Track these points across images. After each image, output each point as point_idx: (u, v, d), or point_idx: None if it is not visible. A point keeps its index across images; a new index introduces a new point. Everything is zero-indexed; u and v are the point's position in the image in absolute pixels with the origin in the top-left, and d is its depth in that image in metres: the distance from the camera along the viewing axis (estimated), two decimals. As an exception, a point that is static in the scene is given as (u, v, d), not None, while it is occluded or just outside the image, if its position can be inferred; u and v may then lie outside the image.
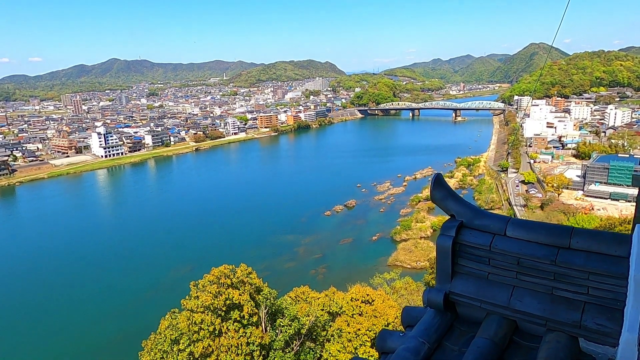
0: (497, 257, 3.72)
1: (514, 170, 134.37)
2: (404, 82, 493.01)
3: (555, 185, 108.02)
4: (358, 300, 26.99)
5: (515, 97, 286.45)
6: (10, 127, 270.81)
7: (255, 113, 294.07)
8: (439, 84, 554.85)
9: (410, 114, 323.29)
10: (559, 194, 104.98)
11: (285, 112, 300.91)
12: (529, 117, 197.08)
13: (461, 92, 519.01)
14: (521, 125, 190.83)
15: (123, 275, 76.85)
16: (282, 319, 22.14)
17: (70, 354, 54.63)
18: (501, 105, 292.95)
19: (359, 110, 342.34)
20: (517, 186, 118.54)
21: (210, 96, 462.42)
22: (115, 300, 67.67)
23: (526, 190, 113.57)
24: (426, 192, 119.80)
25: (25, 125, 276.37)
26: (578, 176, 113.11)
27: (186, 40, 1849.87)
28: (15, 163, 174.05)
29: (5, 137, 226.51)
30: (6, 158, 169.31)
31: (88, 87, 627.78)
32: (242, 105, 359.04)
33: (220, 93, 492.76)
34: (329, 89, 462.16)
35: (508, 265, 3.66)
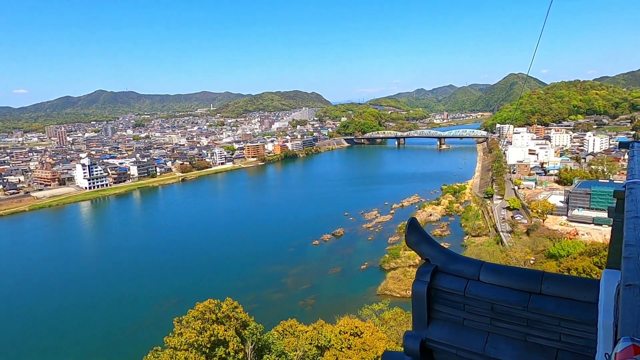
0: (471, 303, 3.68)
1: (499, 197, 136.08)
2: (389, 112, 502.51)
3: (539, 210, 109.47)
4: (347, 333, 26.39)
5: (498, 125, 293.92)
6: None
7: (242, 143, 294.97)
8: (423, 113, 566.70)
9: (396, 143, 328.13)
10: (543, 220, 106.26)
11: (272, 141, 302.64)
12: (511, 144, 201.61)
13: (445, 121, 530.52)
14: (504, 153, 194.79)
15: (103, 310, 74.19)
16: (269, 354, 21.47)
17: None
18: (484, 133, 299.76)
19: (345, 139, 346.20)
20: (503, 212, 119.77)
21: (197, 127, 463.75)
22: (95, 338, 64.98)
23: (512, 217, 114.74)
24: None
25: (8, 157, 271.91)
26: (561, 202, 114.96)
27: (173, 71, 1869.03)
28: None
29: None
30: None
31: (73, 118, 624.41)
32: (229, 136, 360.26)
33: (207, 123, 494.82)
34: (315, 118, 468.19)
35: (482, 311, 3.62)
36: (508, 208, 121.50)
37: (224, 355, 19.95)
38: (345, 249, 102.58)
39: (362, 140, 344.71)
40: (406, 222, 4.29)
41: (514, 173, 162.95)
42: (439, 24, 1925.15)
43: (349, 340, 25.72)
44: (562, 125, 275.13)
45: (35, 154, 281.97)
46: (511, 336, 3.48)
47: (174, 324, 22.87)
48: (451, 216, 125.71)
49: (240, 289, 78.04)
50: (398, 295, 75.24)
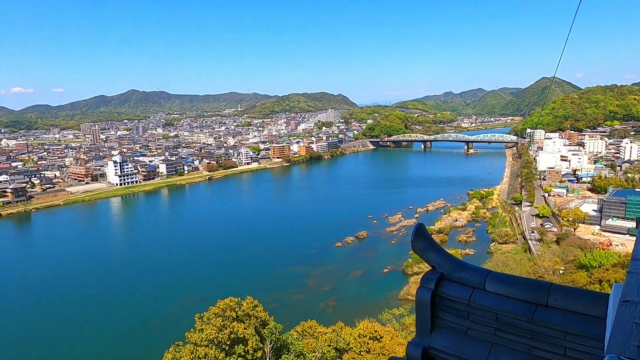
0: (476, 312, 3.62)
1: (528, 204, 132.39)
2: (416, 115, 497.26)
3: (570, 219, 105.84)
4: (366, 336, 26.21)
5: (528, 130, 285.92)
6: (30, 154, 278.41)
7: (268, 143, 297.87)
8: (451, 116, 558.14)
9: (422, 146, 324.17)
10: (575, 229, 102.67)
11: (297, 142, 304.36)
12: (542, 150, 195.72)
13: (473, 125, 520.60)
14: (534, 158, 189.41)
15: (131, 303, 76.35)
16: (287, 354, 21.57)
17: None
18: (514, 138, 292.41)
19: (370, 142, 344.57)
20: (532, 220, 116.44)
21: (224, 127, 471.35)
22: (121, 330, 66.94)
23: (541, 224, 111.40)
24: (438, 225, 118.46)
25: (45, 153, 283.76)
26: (594, 210, 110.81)
27: (203, 72, 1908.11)
28: (33, 190, 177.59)
29: (24, 165, 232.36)
30: (24, 185, 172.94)
31: (107, 116, 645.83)
32: (255, 136, 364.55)
33: (235, 124, 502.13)
34: (341, 120, 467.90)
35: (487, 321, 3.55)
36: (537, 215, 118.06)
37: (242, 353, 20.18)
38: (367, 252, 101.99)
39: (388, 142, 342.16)
40: (414, 226, 4.16)
41: (544, 180, 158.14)
42: (468, 25, 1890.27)
43: (368, 344, 25.55)
44: (596, 131, 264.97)
45: (70, 150, 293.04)
46: (515, 348, 3.40)
47: (195, 320, 23.33)
48: (477, 222, 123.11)
49: (261, 288, 78.72)
50: (420, 300, 74.15)
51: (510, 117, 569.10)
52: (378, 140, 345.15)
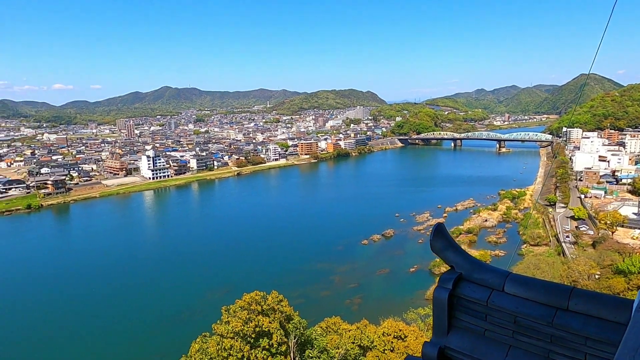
0: (494, 314, 3.57)
1: (563, 205, 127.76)
2: (446, 112, 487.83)
3: (608, 222, 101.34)
4: (390, 335, 26.07)
5: (564, 129, 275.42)
6: (69, 148, 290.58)
7: (296, 140, 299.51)
8: (483, 114, 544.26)
9: (452, 144, 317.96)
10: (613, 232, 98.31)
11: (325, 139, 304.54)
12: (579, 149, 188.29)
13: (506, 123, 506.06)
14: (570, 158, 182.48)
15: (162, 294, 78.68)
16: (311, 350, 21.74)
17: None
18: (549, 137, 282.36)
19: (399, 139, 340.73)
20: (566, 222, 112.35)
21: (253, 123, 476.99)
22: (152, 319, 69.13)
23: (576, 227, 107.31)
24: (467, 225, 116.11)
25: (83, 147, 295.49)
26: (635, 214, 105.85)
27: (233, 69, 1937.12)
28: (72, 182, 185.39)
29: (64, 158, 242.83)
30: (63, 177, 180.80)
31: (141, 112, 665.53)
32: (283, 132, 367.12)
33: (263, 120, 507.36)
34: (369, 117, 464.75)
35: (505, 323, 3.49)
36: (572, 217, 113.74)
37: (267, 347, 20.51)
38: (394, 250, 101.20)
39: (417, 140, 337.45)
40: (434, 226, 4.07)
41: (581, 180, 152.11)
42: (502, 20, 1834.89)
43: (392, 342, 25.41)
44: (638, 131, 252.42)
45: (106, 144, 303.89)
46: (533, 351, 3.34)
47: (222, 312, 23.83)
48: (508, 223, 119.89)
49: (287, 283, 79.53)
50: (447, 301, 73.03)
51: (545, 115, 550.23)
52: (407, 138, 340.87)
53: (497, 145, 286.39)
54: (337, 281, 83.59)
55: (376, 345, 25.40)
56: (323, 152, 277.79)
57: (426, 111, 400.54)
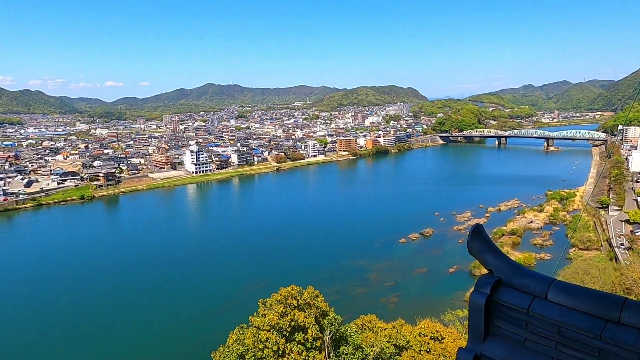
0: (535, 323, 3.34)
1: (617, 208, 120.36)
2: (490, 109, 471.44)
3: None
4: (427, 336, 25.58)
5: (620, 127, 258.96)
6: (119, 143, 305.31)
7: (335, 136, 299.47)
8: (530, 111, 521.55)
9: (496, 142, 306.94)
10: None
11: (364, 136, 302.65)
12: (636, 149, 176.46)
13: (555, 120, 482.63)
14: (627, 158, 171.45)
15: (202, 284, 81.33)
16: (345, 346, 21.75)
17: (145, 355, 58.56)
18: (602, 135, 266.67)
19: (440, 137, 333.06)
20: (620, 226, 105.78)
21: (293, 119, 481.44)
22: (192, 310, 71.61)
23: (631, 231, 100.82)
24: (511, 226, 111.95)
25: (132, 141, 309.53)
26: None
27: (274, 66, 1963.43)
28: (121, 175, 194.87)
29: (115, 152, 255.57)
30: (113, 170, 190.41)
31: (186, 108, 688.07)
32: (322, 129, 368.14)
33: (303, 116, 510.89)
34: (410, 114, 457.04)
35: (547, 333, 3.27)
36: (627, 221, 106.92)
37: (302, 341, 20.72)
38: (433, 249, 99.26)
39: (459, 138, 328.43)
40: (472, 226, 3.80)
41: (638, 182, 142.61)
42: (552, 12, 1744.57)
43: (428, 344, 24.94)
44: None
45: (153, 139, 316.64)
46: None
47: (259, 305, 24.30)
48: (555, 225, 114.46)
49: (323, 279, 79.95)
50: (488, 304, 70.84)
51: (599, 113, 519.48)
52: (448, 135, 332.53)
53: (545, 144, 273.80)
54: (374, 279, 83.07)
55: (412, 346, 25.03)
56: (362, 149, 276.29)
57: (469, 108, 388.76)
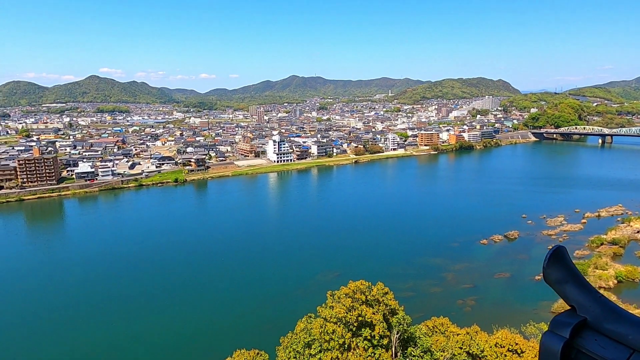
0: None
1: None
2: (594, 104, 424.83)
3: None
4: (504, 347, 23.85)
5: None
6: (210, 131, 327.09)
7: (416, 130, 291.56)
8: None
9: (600, 141, 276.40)
10: None
11: (447, 130, 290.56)
12: None
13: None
14: None
15: (279, 268, 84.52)
16: (414, 348, 21.11)
17: (217, 330, 62.41)
18: None
19: (532, 133, 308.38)
20: None
21: (374, 112, 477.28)
22: (269, 290, 74.83)
23: None
24: (612, 234, 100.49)
25: (220, 130, 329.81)
26: None
27: (356, 58, 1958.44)
28: (210, 161, 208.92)
29: (205, 139, 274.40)
30: (204, 157, 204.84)
31: (271, 100, 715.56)
32: (403, 122, 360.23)
33: (384, 109, 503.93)
34: (499, 108, 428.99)
35: None
36: None
37: (369, 337, 20.50)
38: (517, 254, 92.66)
39: (554, 135, 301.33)
40: (551, 249, 2.84)
41: None
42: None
43: (505, 356, 23.22)
44: None
45: (239, 129, 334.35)
46: None
47: (327, 297, 24.52)
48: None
49: (397, 274, 78.83)
50: (578, 318, 64.55)
51: None
52: (542, 132, 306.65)
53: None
54: (450, 279, 79.85)
55: (486, 356, 23.52)
56: (444, 144, 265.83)
57: (569, 102, 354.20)
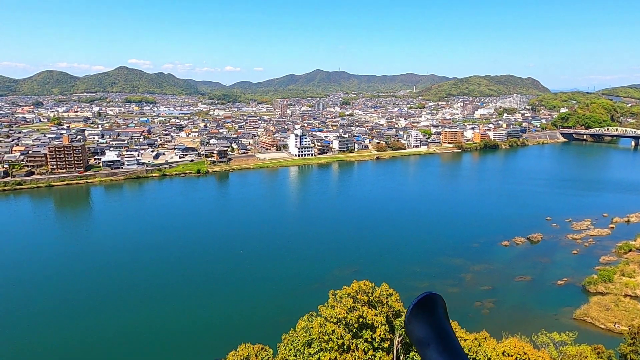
0: None
1: None
2: (629, 104, 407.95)
3: None
4: (512, 356, 22.94)
5: None
6: (233, 123, 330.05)
7: (440, 127, 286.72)
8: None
9: (633, 143, 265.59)
10: None
11: (472, 128, 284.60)
12: None
13: None
14: None
15: (297, 261, 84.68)
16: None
17: (228, 322, 63.02)
18: None
19: (562, 134, 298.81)
20: None
21: (397, 108, 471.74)
22: (287, 282, 75.08)
23: None
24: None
25: (243, 123, 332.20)
26: None
27: (381, 53, 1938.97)
28: (232, 153, 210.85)
29: (228, 132, 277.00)
30: (226, 149, 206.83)
31: (294, 94, 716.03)
32: (427, 119, 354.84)
33: (408, 105, 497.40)
34: (527, 107, 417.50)
35: None
36: None
37: (369, 339, 20.03)
38: (540, 257, 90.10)
39: (584, 136, 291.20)
40: (418, 296, 2.28)
41: None
42: None
43: (514, 364, 22.41)
44: None
45: (262, 122, 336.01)
46: None
47: (329, 296, 24.14)
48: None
49: (415, 273, 77.96)
50: (602, 326, 62.38)
51: None
52: (572, 132, 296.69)
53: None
54: (469, 280, 78.33)
55: (493, 363, 22.78)
56: (468, 142, 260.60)
57: (601, 102, 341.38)
